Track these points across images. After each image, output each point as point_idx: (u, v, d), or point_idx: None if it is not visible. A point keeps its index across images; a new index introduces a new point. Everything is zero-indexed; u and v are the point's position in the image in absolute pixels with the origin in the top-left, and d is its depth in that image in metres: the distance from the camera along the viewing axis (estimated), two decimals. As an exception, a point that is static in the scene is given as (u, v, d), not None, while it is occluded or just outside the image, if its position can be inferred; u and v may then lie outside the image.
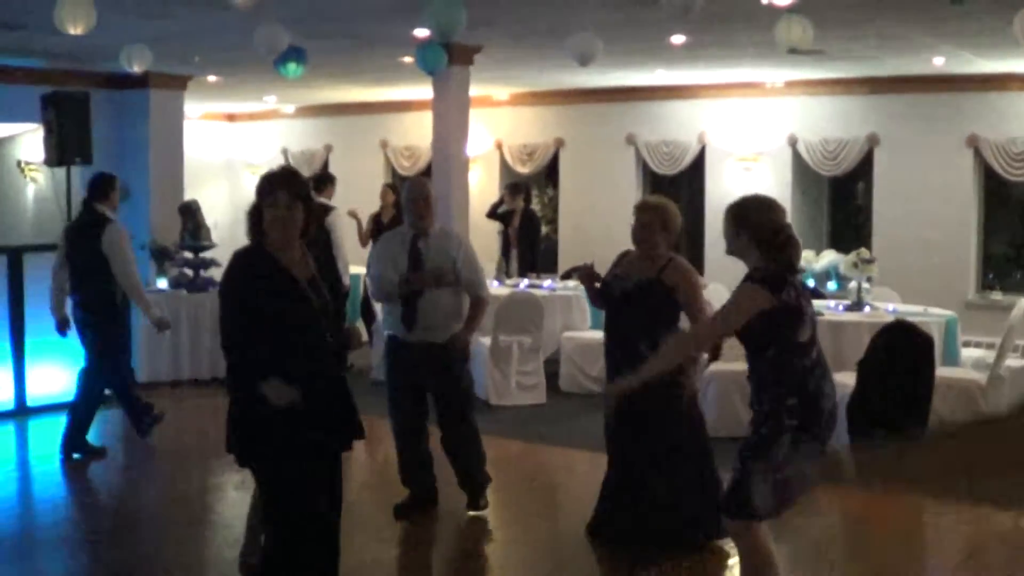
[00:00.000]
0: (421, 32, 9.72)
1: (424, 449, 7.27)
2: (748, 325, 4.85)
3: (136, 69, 9.28)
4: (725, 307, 5.01)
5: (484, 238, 14.44)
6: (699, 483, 6.48)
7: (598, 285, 6.69)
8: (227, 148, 19.40)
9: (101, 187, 8.86)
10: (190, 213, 12.31)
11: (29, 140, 15.39)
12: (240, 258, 4.95)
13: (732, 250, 5.06)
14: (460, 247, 7.11)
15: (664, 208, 6.56)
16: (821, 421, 4.87)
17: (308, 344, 4.94)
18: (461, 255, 7.04)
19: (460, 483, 7.32)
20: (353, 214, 13.51)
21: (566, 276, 13.10)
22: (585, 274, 6.74)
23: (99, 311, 8.68)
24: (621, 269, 6.65)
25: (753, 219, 4.96)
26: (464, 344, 7.10)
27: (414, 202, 7.04)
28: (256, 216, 4.94)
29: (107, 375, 8.91)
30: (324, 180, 12.25)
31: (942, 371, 9.11)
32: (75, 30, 7.06)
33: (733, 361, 9.37)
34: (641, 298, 6.44)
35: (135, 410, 9.18)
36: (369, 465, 8.84)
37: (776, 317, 4.81)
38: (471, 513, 7.25)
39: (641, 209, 6.64)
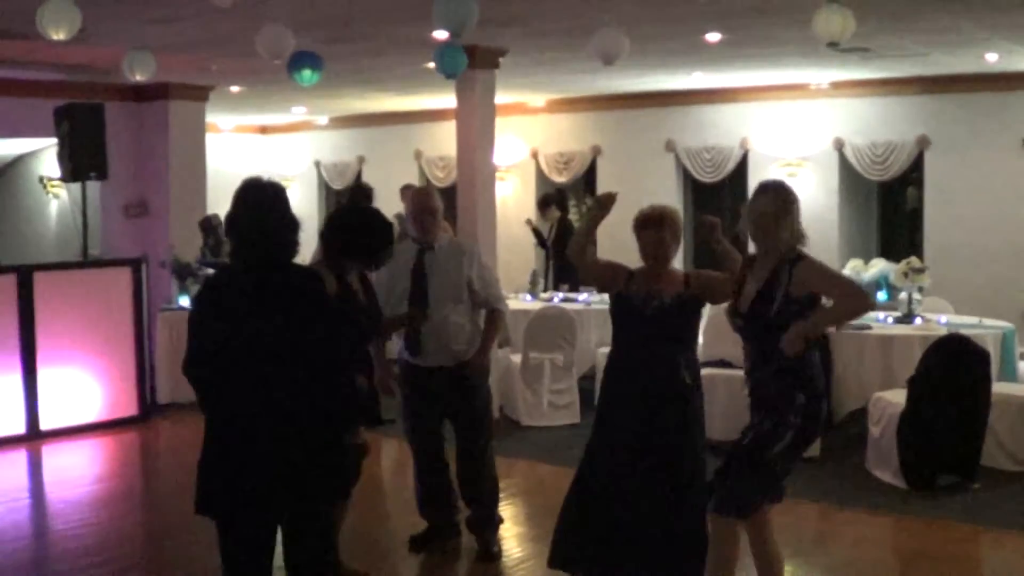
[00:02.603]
0: (439, 34, 9.27)
1: (444, 479, 6.73)
2: (798, 300, 4.89)
3: (139, 77, 8.82)
4: (836, 275, 5.26)
5: (518, 250, 13.99)
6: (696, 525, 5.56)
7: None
8: (260, 161, 19.07)
9: None
10: (210, 228, 12.02)
11: (51, 156, 15.06)
12: None
13: (774, 241, 5.05)
14: (473, 260, 6.49)
15: (674, 217, 5.93)
16: (820, 423, 4.94)
17: None
18: (475, 270, 6.45)
19: (468, 524, 6.74)
20: None
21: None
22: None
23: None
24: (644, 288, 5.97)
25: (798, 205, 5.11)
26: (482, 368, 6.53)
27: (419, 215, 6.45)
28: None
29: None
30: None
31: (999, 387, 8.55)
32: (58, 35, 6.63)
33: (741, 366, 8.82)
34: (680, 314, 5.79)
35: None
36: (390, 492, 8.36)
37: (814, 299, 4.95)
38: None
39: (649, 223, 5.90)
